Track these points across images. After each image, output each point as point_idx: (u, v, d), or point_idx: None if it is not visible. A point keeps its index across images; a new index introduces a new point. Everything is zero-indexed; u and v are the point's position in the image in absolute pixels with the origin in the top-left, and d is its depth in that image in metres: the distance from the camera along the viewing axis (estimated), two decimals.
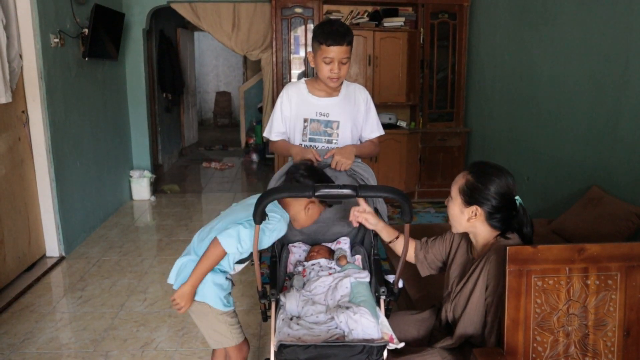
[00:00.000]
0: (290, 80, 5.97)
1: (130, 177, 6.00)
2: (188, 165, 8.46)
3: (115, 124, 5.62)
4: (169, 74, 7.75)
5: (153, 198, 6.09)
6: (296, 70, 6.03)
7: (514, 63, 4.89)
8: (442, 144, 6.02)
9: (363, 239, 2.53)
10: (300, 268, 2.32)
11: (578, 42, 3.82)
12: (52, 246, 4.20)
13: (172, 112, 8.23)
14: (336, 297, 2.09)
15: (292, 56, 5.95)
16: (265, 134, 2.69)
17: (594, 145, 3.64)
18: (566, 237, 3.40)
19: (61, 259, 4.20)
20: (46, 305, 3.43)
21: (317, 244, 2.49)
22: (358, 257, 2.43)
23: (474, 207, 1.77)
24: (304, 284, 2.19)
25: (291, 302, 2.06)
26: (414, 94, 5.96)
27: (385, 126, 5.86)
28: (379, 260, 2.23)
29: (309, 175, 2.06)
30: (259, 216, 1.61)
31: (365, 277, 2.18)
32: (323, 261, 2.28)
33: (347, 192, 1.53)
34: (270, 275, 2.18)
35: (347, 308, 1.94)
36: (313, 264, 2.31)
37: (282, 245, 2.48)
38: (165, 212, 5.69)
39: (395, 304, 2.95)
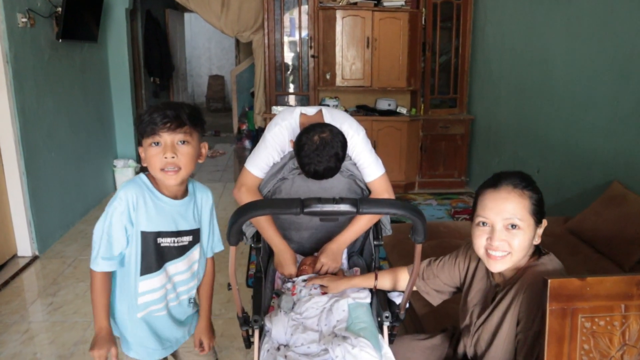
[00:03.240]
0: (283, 65, 5.60)
1: (114, 166, 5.65)
2: None
3: (97, 110, 5.25)
4: (157, 57, 7.38)
5: None
6: (290, 52, 5.66)
7: (524, 45, 4.54)
8: (445, 132, 5.68)
9: (362, 248, 2.21)
10: (289, 284, 2.00)
11: (598, 22, 3.47)
12: (24, 245, 3.86)
13: (160, 97, 7.86)
14: (331, 322, 1.77)
15: (285, 38, 5.57)
16: (246, 165, 2.08)
17: (616, 137, 3.32)
18: (585, 239, 3.09)
19: (34, 259, 3.87)
20: (12, 314, 3.11)
21: (309, 255, 2.17)
22: (356, 270, 2.12)
23: (544, 222, 1.48)
24: (294, 305, 1.87)
25: (278, 328, 1.75)
26: (414, 78, 5.60)
27: (384, 113, 5.60)
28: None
29: None
30: (234, 236, 1.29)
31: (365, 297, 1.87)
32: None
33: (345, 209, 1.20)
34: (254, 295, 1.86)
35: (345, 338, 1.63)
36: (304, 280, 1.99)
37: (268, 256, 2.15)
38: None
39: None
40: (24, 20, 3.74)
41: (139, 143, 1.55)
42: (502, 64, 5.03)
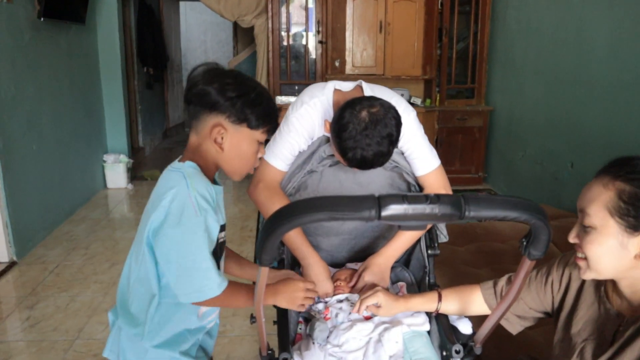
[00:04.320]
0: (288, 51, 5.16)
1: (104, 162, 5.20)
2: (173, 147, 7.65)
3: (85, 100, 4.80)
4: (150, 46, 6.90)
5: (130, 186, 5.31)
6: (295, 38, 5.22)
7: (555, 28, 4.12)
8: (462, 124, 5.25)
9: (409, 258, 1.78)
10: (320, 306, 1.57)
11: None
12: (0, 249, 3.42)
13: (154, 89, 7.39)
14: (382, 359, 1.35)
15: (290, 23, 5.14)
16: (265, 156, 1.57)
17: None
18: None
19: (11, 265, 3.41)
20: None
21: (342, 268, 1.74)
22: (401, 285, 1.68)
23: None
24: (329, 334, 1.44)
25: None
26: (430, 66, 5.18)
27: None
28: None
29: None
30: (269, 253, 0.86)
31: (422, 324, 1.44)
32: (355, 297, 1.53)
33: (443, 212, 0.77)
34: (279, 324, 1.42)
35: None
36: (340, 301, 1.56)
37: (291, 267, 1.72)
38: (144, 202, 4.84)
39: None
40: None
41: (236, 121, 1.19)
42: (526, 50, 4.61)
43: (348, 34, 5.02)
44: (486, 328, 1.21)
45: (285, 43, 5.17)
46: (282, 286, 1.29)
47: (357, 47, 5.05)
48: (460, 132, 5.28)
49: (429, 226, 1.64)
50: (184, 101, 1.24)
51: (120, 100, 5.34)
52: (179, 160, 1.23)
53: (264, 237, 0.82)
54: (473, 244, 2.75)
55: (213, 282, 1.15)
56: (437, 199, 0.77)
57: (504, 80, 5.06)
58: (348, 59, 5.06)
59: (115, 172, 5.23)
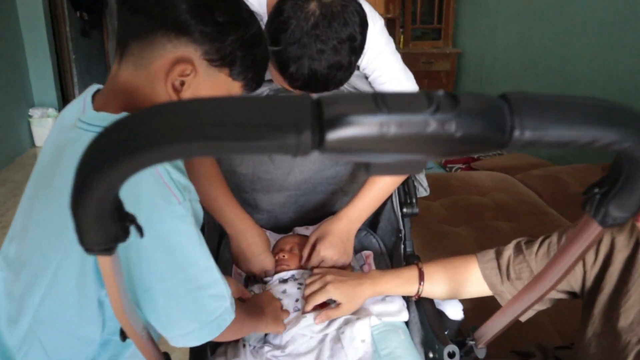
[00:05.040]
0: None
1: (30, 117, 4.60)
2: None
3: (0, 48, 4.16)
4: None
5: None
6: None
7: None
8: (428, 68, 4.87)
9: (376, 219, 1.35)
10: (256, 289, 1.14)
11: None
12: None
13: (92, 37, 6.68)
14: None
15: None
16: None
17: None
18: None
19: None
20: None
21: (288, 234, 1.31)
22: (367, 255, 1.27)
23: None
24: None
25: None
26: (393, 4, 4.74)
27: None
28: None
29: None
30: (98, 232, 0.41)
31: (398, 312, 1.04)
32: (307, 274, 1.11)
33: (466, 130, 0.34)
34: None
35: None
36: (283, 280, 1.13)
37: (218, 240, 1.28)
38: None
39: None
40: None
41: (216, 62, 0.74)
42: None
43: None
44: (497, 325, 0.81)
45: None
46: (260, 301, 1.00)
47: None
48: (426, 76, 4.90)
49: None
50: (118, 8, 0.77)
51: (46, 49, 4.71)
52: (97, 109, 0.74)
53: (75, 202, 0.37)
54: (448, 197, 2.36)
55: (225, 300, 0.75)
56: (452, 100, 0.34)
57: (474, 20, 4.66)
58: None
59: (44, 128, 4.62)
